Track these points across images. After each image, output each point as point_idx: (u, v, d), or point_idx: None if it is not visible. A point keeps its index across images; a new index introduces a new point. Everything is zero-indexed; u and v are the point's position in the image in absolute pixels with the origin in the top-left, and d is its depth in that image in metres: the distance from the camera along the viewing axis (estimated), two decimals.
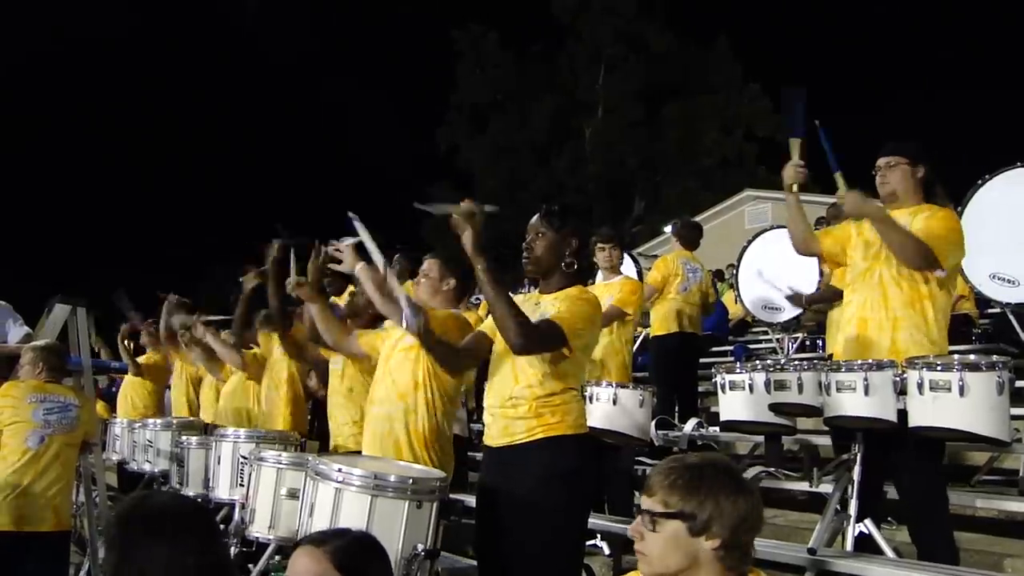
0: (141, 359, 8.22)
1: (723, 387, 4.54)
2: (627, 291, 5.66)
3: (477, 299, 10.30)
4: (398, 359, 3.91)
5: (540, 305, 3.36)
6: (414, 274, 4.80)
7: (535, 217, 3.43)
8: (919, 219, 3.91)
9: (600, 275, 6.03)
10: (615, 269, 5.96)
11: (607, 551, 5.30)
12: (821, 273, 6.48)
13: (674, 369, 7.17)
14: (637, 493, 6.22)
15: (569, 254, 3.36)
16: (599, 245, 5.79)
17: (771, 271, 7.58)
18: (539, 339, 3.16)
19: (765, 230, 8.20)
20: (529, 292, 3.65)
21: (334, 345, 4.68)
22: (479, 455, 3.70)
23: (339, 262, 4.29)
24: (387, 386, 3.92)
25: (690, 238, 7.50)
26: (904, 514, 3.99)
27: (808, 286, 6.86)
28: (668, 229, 11.54)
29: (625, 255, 8.71)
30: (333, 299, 6.36)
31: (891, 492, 4.19)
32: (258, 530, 4.19)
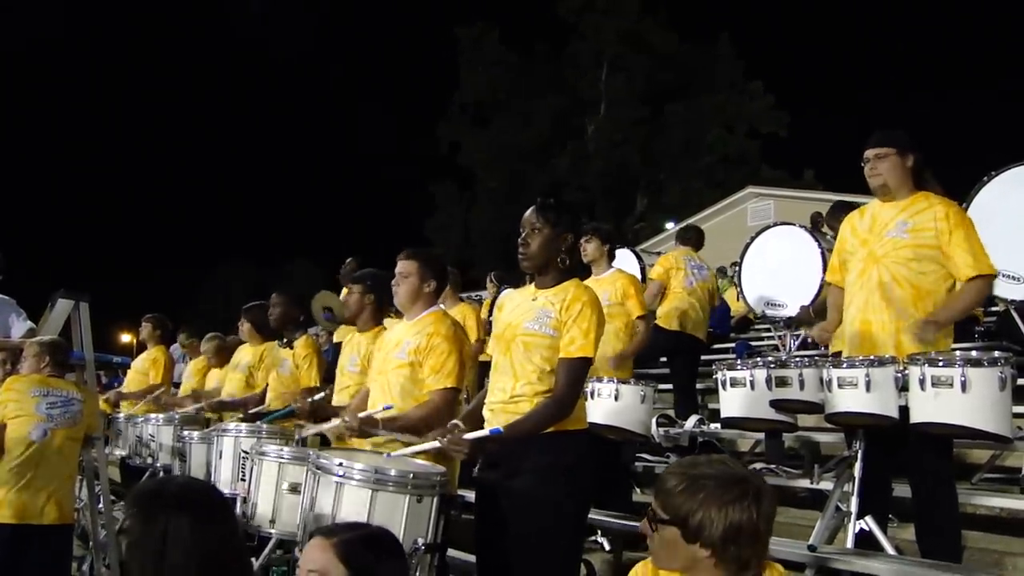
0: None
1: (724, 384, 4.54)
2: (633, 291, 5.72)
3: (478, 296, 10.29)
4: (392, 376, 3.90)
5: (537, 300, 3.35)
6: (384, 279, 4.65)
7: (530, 210, 3.40)
8: (926, 217, 3.88)
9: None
10: (597, 263, 5.88)
11: (607, 547, 5.30)
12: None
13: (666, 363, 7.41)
14: (637, 489, 6.23)
15: (564, 250, 3.35)
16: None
17: (774, 267, 7.57)
18: (573, 396, 3.23)
19: (768, 227, 8.16)
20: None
21: None
22: None
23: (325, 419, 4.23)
24: (383, 401, 3.88)
25: (694, 239, 7.67)
26: (913, 512, 3.98)
27: (811, 281, 6.87)
28: (670, 226, 11.55)
29: (628, 251, 8.72)
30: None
31: (895, 490, 4.19)
32: (259, 524, 4.18)
